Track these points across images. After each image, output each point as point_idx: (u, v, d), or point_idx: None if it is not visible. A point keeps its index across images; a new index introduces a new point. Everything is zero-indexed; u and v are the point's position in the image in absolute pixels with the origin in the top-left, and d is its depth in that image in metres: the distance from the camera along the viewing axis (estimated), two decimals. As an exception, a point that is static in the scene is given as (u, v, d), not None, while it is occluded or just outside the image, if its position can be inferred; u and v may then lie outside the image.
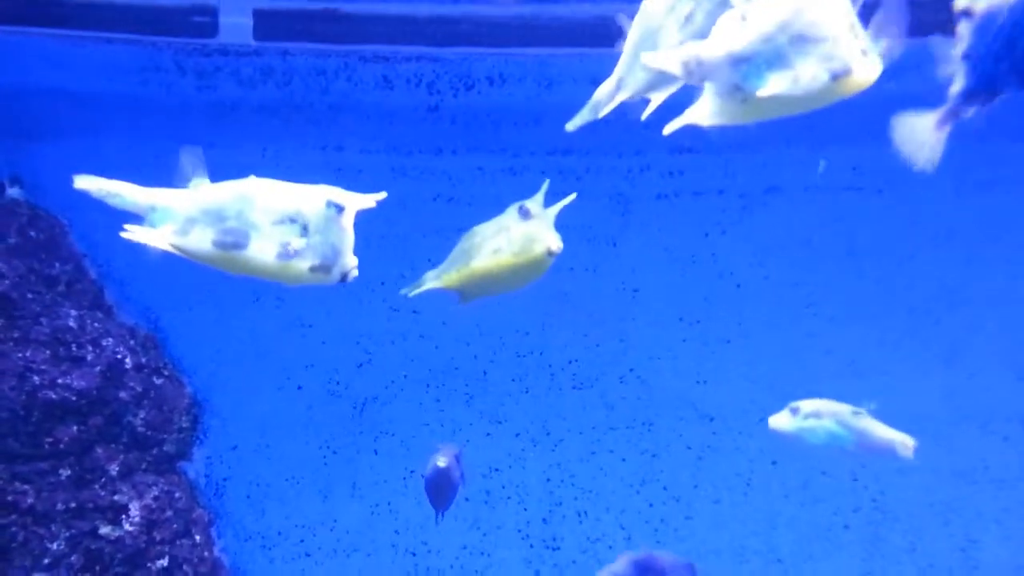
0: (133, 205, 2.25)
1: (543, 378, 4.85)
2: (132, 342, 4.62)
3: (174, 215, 2.20)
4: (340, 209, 2.23)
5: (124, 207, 2.23)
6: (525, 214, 2.89)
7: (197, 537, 4.49)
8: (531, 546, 4.76)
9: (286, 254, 2.22)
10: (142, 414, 4.51)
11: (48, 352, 4.28)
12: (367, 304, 4.96)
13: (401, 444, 4.85)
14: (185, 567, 4.35)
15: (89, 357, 4.37)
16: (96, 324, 4.52)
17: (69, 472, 4.23)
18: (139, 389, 4.50)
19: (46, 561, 4.06)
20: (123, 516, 4.24)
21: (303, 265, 2.26)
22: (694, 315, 4.85)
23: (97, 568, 4.13)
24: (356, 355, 4.92)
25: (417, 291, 3.21)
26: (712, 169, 4.83)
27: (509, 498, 4.79)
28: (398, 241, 4.93)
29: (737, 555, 4.55)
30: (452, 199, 4.90)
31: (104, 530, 4.19)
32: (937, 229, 4.68)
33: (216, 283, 4.90)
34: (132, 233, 2.20)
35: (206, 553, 4.52)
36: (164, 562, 4.27)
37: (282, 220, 2.20)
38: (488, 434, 4.84)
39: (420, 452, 4.81)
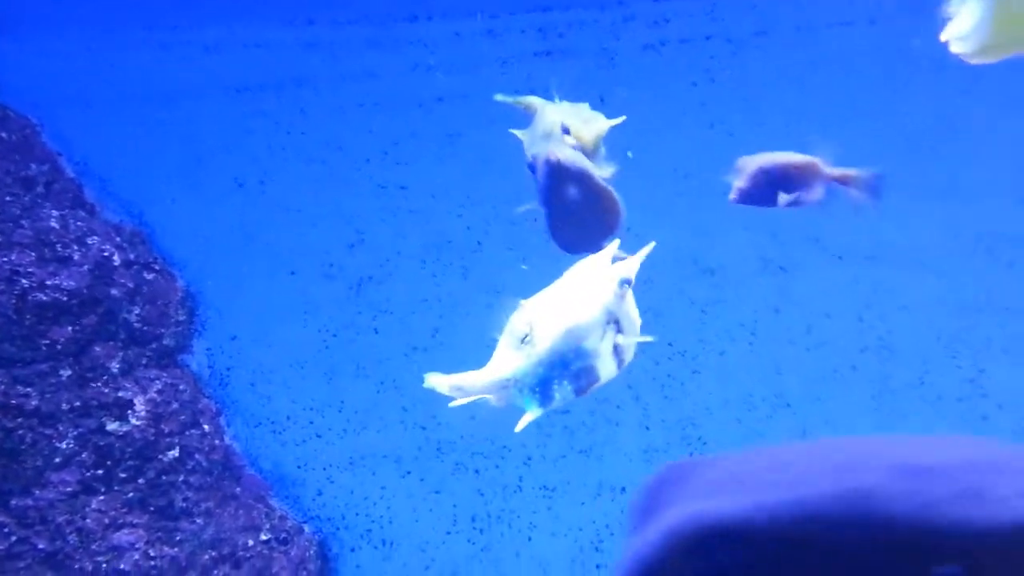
0: (483, 389, 2.15)
1: (539, 243, 4.77)
2: (118, 239, 4.54)
3: (526, 385, 2.12)
4: (629, 283, 2.21)
5: (473, 395, 2.14)
6: (566, 132, 2.73)
7: (206, 427, 4.50)
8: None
9: (620, 360, 2.18)
10: (136, 310, 4.46)
11: (33, 254, 4.21)
12: (353, 183, 4.86)
13: (400, 322, 4.81)
14: (197, 456, 4.36)
15: (76, 257, 4.29)
16: (79, 223, 4.43)
17: (70, 372, 4.20)
18: (130, 285, 4.44)
19: (57, 460, 4.07)
20: (129, 411, 4.23)
21: (628, 356, 2.21)
22: (687, 168, 4.75)
23: (108, 463, 4.14)
24: (347, 235, 4.85)
25: (504, 99, 3.07)
26: (699, 15, 4.66)
27: (514, 366, 4.77)
28: (380, 115, 4.81)
29: (745, 403, 4.55)
30: (431, 68, 4.74)
31: (111, 426, 4.18)
32: (931, 56, 4.53)
33: (197, 172, 4.83)
34: (523, 423, 2.15)
35: (217, 441, 4.53)
36: (175, 453, 4.29)
37: (604, 331, 2.15)
38: (488, 305, 4.78)
39: (420, 329, 4.80)
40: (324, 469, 4.69)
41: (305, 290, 4.83)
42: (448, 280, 4.78)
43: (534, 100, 2.98)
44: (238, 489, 4.53)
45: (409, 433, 4.70)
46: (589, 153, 2.63)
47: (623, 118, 2.80)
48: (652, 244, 2.18)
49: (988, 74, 4.52)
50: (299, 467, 4.69)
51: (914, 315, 4.43)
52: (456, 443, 4.73)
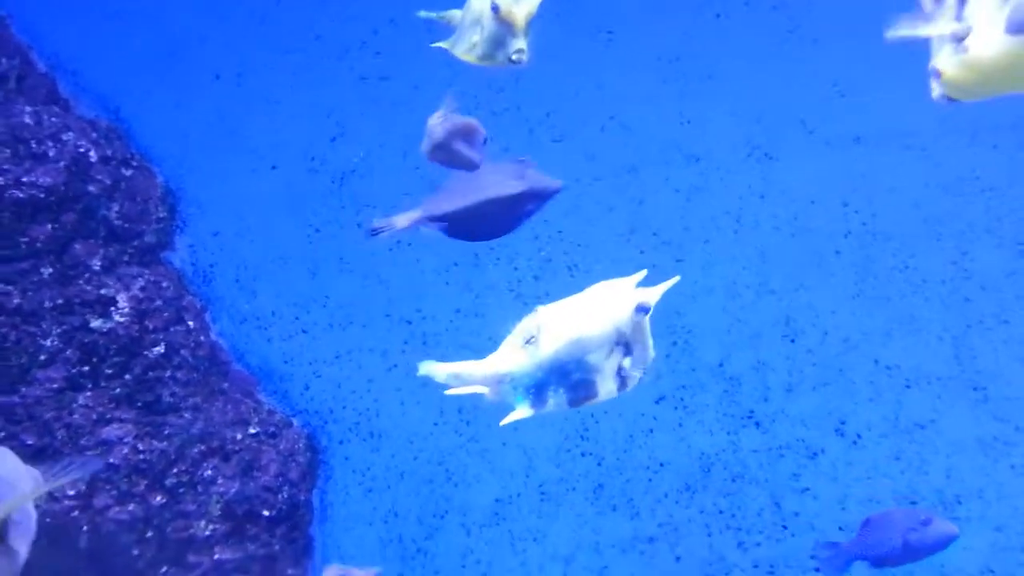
0: (479, 380, 2.14)
1: (521, 134, 4.71)
2: (94, 135, 4.47)
3: (522, 384, 2.12)
4: (647, 311, 2.14)
5: (470, 384, 2.13)
6: (495, 10, 2.68)
7: (191, 323, 4.50)
8: (524, 303, 4.73)
9: (624, 383, 2.16)
10: (116, 207, 4.42)
11: (8, 151, 4.15)
12: (333, 74, 4.78)
13: (384, 215, 4.76)
14: (183, 352, 4.37)
15: (51, 153, 4.23)
16: (54, 119, 4.36)
17: (51, 270, 4.18)
18: (108, 182, 4.39)
19: (42, 358, 4.08)
20: (112, 308, 4.22)
21: (633, 383, 2.19)
22: (673, 53, 4.65)
23: (94, 360, 4.15)
24: (329, 128, 4.78)
25: (428, 15, 3.05)
26: None
27: (498, 259, 4.75)
28: (357, 2, 4.71)
29: (729, 291, 4.54)
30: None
31: (95, 323, 4.18)
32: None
33: (173, 65, 4.73)
34: (510, 418, 2.13)
35: (202, 337, 4.54)
36: (160, 349, 4.29)
37: (611, 350, 2.12)
38: (471, 197, 4.74)
39: (405, 221, 4.76)
40: (311, 364, 4.71)
41: (288, 184, 4.79)
42: (431, 172, 4.69)
43: (456, 13, 2.96)
44: (226, 384, 4.55)
45: (395, 327, 4.71)
46: (518, 32, 2.58)
47: None
48: (676, 278, 2.17)
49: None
50: (286, 362, 4.72)
51: (899, 198, 4.39)
52: (442, 336, 4.74)
